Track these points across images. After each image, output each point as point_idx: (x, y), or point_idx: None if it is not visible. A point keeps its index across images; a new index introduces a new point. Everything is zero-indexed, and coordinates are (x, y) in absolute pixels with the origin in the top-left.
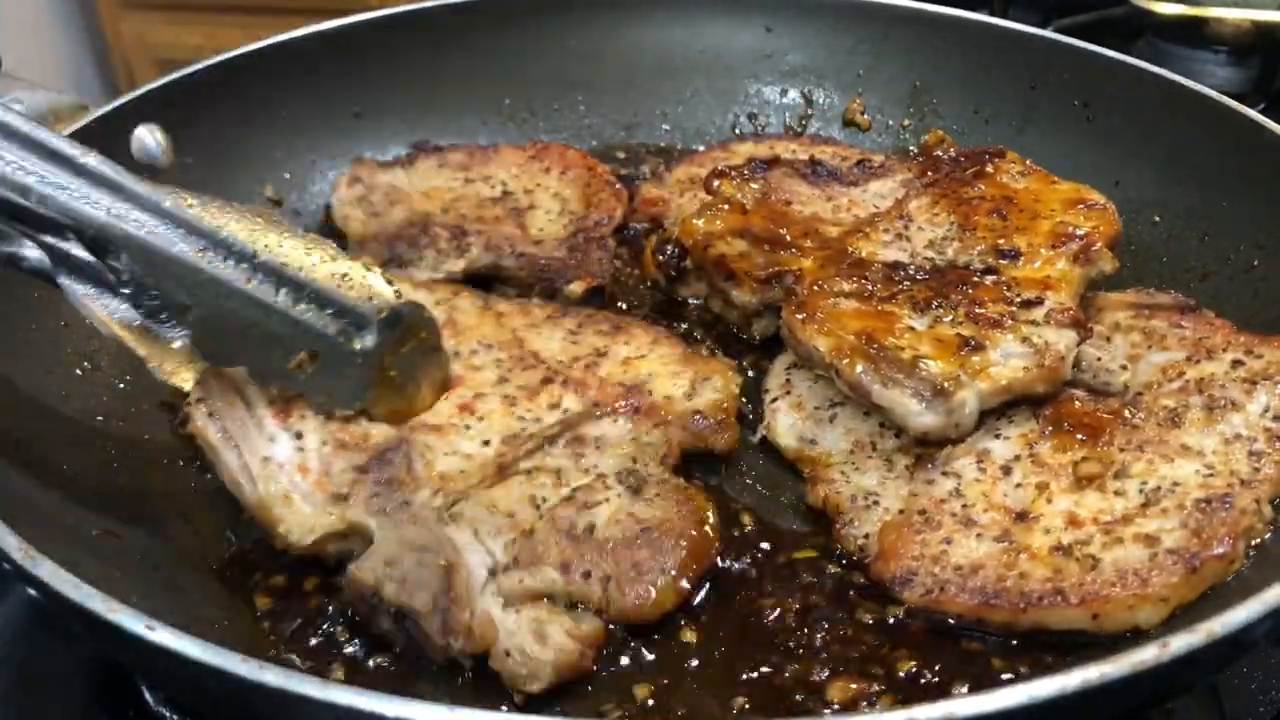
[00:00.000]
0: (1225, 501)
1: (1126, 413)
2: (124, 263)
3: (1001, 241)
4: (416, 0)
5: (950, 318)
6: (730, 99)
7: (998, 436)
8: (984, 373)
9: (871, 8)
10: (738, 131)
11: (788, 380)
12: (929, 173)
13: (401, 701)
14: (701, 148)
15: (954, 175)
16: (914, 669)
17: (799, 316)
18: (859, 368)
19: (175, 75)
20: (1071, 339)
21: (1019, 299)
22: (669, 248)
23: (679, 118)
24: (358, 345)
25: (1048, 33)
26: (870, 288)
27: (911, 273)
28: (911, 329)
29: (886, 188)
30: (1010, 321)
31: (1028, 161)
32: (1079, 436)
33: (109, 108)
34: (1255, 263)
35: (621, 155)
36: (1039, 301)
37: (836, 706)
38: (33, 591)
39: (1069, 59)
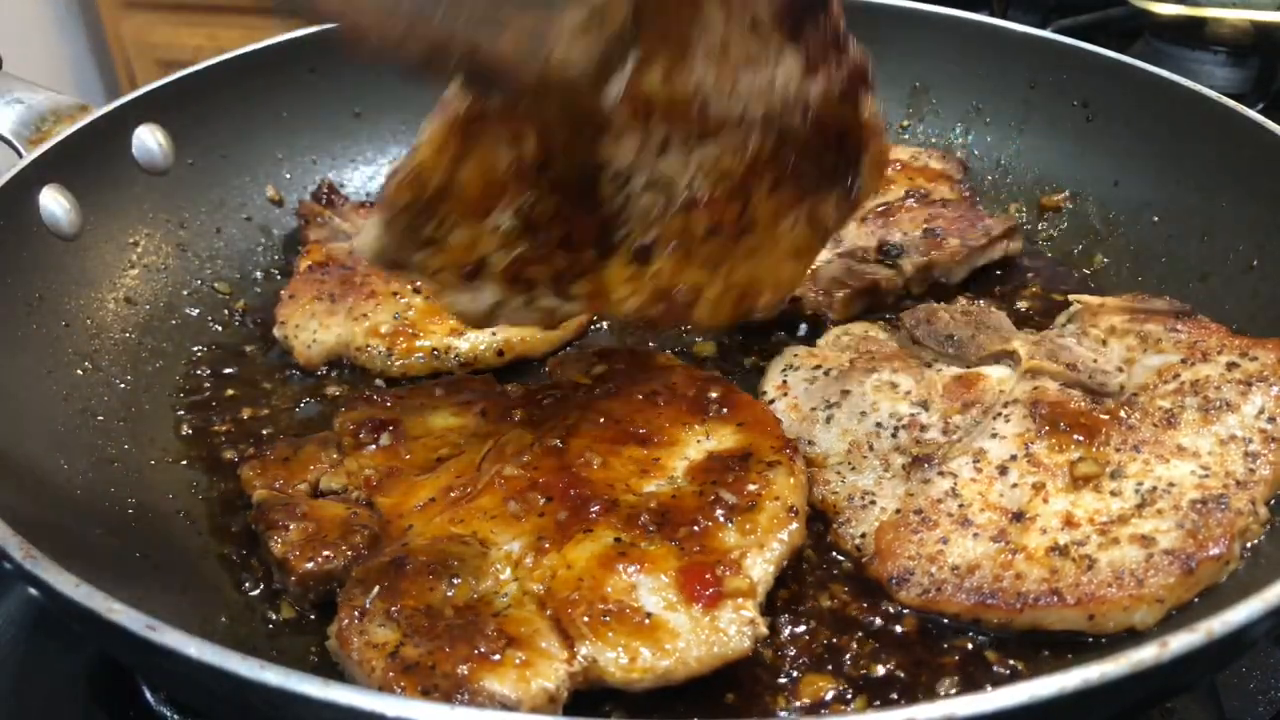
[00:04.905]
0: (1221, 502)
1: (1123, 413)
2: None
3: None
4: None
5: None
6: None
7: (994, 436)
8: None
9: (871, 8)
10: None
11: (784, 381)
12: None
13: (402, 701)
14: None
15: None
16: (893, 668)
17: None
18: None
19: (176, 75)
20: None
21: None
22: None
23: None
24: None
25: (1047, 33)
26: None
27: None
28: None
29: None
30: None
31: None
32: (1075, 437)
33: (110, 108)
34: (1254, 263)
35: None
36: None
37: (806, 702)
38: (33, 591)
39: (1068, 59)
